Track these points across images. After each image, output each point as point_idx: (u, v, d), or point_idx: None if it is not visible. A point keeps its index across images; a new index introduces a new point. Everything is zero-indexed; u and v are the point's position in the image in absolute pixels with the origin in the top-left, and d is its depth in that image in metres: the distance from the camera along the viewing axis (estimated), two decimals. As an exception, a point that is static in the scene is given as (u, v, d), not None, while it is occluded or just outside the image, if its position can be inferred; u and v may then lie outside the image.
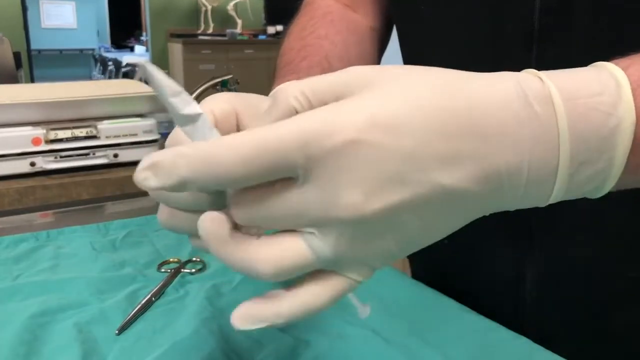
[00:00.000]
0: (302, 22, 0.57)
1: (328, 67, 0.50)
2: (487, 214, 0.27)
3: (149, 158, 0.23)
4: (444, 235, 0.27)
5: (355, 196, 0.23)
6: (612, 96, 0.25)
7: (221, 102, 0.31)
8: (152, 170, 0.23)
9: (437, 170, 0.23)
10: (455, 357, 0.43)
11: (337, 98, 0.25)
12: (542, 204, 0.27)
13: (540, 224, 0.49)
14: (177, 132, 0.29)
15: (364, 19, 0.60)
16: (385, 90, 0.24)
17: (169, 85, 0.25)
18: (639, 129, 0.25)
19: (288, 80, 0.46)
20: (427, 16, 0.52)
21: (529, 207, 0.27)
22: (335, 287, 0.26)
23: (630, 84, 0.25)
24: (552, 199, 0.26)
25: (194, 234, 0.29)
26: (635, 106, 0.25)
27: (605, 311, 0.49)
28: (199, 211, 0.26)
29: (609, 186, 0.26)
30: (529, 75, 0.25)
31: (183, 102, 0.26)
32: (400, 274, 0.57)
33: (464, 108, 0.24)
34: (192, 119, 0.26)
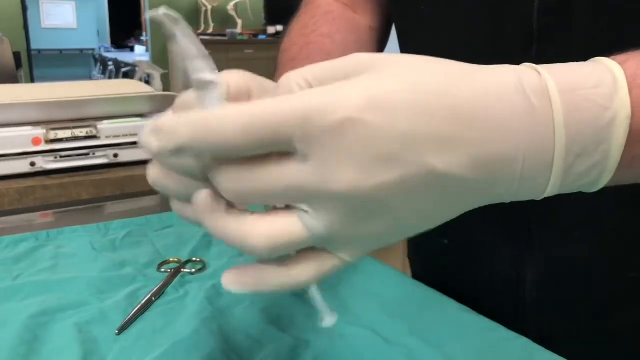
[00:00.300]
0: (304, 20, 0.57)
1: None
2: (482, 205, 0.27)
3: (154, 121, 0.24)
4: (437, 224, 0.27)
5: (351, 172, 0.23)
6: (608, 89, 0.25)
7: (238, 77, 0.31)
8: (154, 134, 0.24)
9: (430, 153, 0.24)
10: (455, 357, 0.43)
11: (336, 80, 0.25)
12: (538, 197, 0.27)
13: (539, 224, 0.49)
14: (187, 95, 0.29)
15: (364, 19, 0.60)
16: (384, 73, 0.24)
17: (194, 45, 0.26)
18: (635, 122, 0.25)
19: None
20: (427, 16, 0.52)
21: (525, 199, 0.27)
22: (324, 265, 0.27)
23: (627, 77, 0.25)
24: (548, 192, 0.26)
25: (179, 198, 0.30)
26: (631, 99, 0.25)
27: (605, 311, 0.49)
28: (192, 176, 0.27)
29: (605, 180, 0.27)
30: (527, 69, 0.26)
31: (204, 66, 0.26)
32: (400, 274, 0.57)
33: (462, 95, 0.24)
34: (207, 85, 0.26)
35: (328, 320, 0.29)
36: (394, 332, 0.47)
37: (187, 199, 0.29)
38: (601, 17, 0.41)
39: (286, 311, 0.50)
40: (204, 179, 0.28)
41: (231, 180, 0.25)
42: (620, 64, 0.26)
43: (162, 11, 0.25)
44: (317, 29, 0.55)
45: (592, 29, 0.42)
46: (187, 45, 0.26)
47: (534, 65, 0.26)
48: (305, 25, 0.57)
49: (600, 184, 0.27)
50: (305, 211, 0.25)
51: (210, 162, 0.25)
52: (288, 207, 0.26)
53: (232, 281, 0.27)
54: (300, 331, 0.47)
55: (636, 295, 0.48)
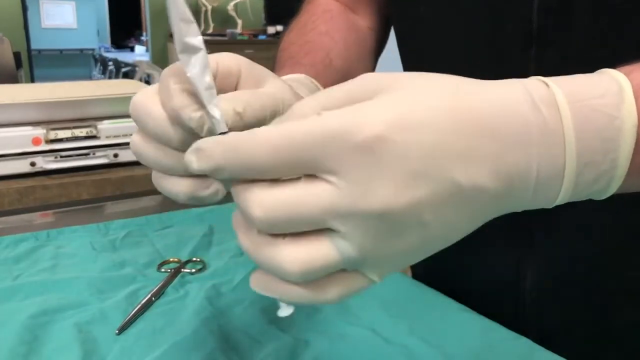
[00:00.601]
0: (304, 19, 0.57)
1: (329, 64, 0.51)
2: (498, 216, 0.27)
3: (196, 143, 0.26)
4: (460, 237, 0.27)
5: (384, 190, 0.23)
6: (614, 98, 0.26)
7: (228, 59, 0.32)
8: (195, 153, 0.26)
9: (456, 168, 0.24)
10: (455, 357, 0.43)
11: (353, 103, 0.25)
12: (549, 206, 0.28)
13: (540, 224, 0.49)
14: (176, 65, 0.30)
15: (363, 20, 0.60)
16: (402, 93, 0.25)
17: (184, 10, 0.27)
18: None
19: (290, 72, 0.46)
20: (427, 16, 0.52)
21: (536, 208, 0.28)
22: (352, 286, 0.27)
23: (632, 87, 0.26)
24: (559, 200, 0.27)
25: (159, 169, 0.31)
26: (637, 108, 0.26)
27: (604, 311, 0.49)
28: (170, 147, 0.29)
29: (614, 188, 0.27)
30: (534, 81, 0.26)
31: (191, 31, 0.27)
32: (400, 274, 0.57)
33: (476, 109, 0.25)
34: (192, 50, 0.28)
35: (284, 310, 0.29)
36: (394, 332, 0.47)
37: (167, 171, 0.31)
38: (601, 17, 0.41)
39: (286, 311, 0.50)
40: (182, 149, 0.29)
41: (260, 202, 0.25)
42: (626, 74, 0.27)
43: None
44: (315, 27, 0.55)
45: (592, 29, 0.42)
46: (181, 7, 0.27)
47: (541, 77, 0.27)
48: (304, 24, 0.57)
49: (609, 191, 0.27)
50: (338, 233, 0.25)
51: (240, 187, 0.25)
52: (317, 230, 0.25)
53: (260, 287, 0.27)
54: (300, 331, 0.47)
55: (636, 295, 0.48)
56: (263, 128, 0.24)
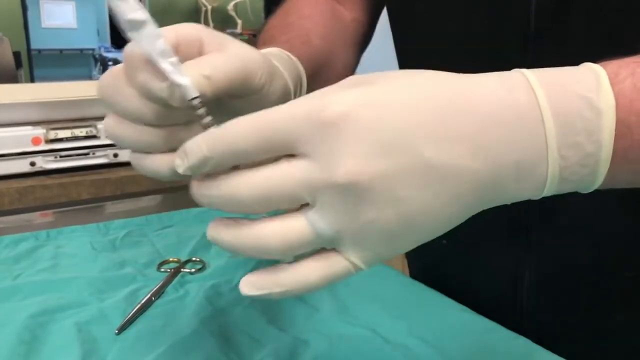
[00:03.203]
0: (288, 5, 0.57)
1: (307, 42, 0.50)
2: (486, 207, 0.27)
3: (182, 146, 0.27)
4: (447, 226, 0.27)
5: (349, 162, 0.24)
6: (590, 83, 0.26)
7: (186, 27, 0.32)
8: (180, 157, 0.27)
9: (424, 144, 0.25)
10: (455, 357, 0.43)
11: None
12: (538, 195, 0.28)
13: (538, 224, 0.49)
14: (131, 45, 0.30)
15: (348, 11, 0.60)
16: (376, 82, 0.26)
17: None
18: (621, 114, 0.26)
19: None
20: (424, 16, 0.52)
21: (527, 197, 0.28)
22: (333, 265, 0.27)
23: (608, 74, 0.27)
24: (548, 188, 0.27)
25: (135, 149, 0.31)
26: (614, 92, 0.26)
27: (603, 311, 0.49)
28: (146, 124, 0.30)
29: (601, 173, 0.27)
30: (514, 72, 0.27)
31: (129, 7, 0.27)
32: (400, 274, 0.57)
33: (452, 92, 0.26)
34: (137, 25, 0.27)
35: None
36: (393, 332, 0.47)
37: (146, 149, 0.31)
38: (598, 18, 0.41)
39: (286, 311, 0.50)
40: (158, 124, 0.30)
41: (240, 189, 0.26)
42: (603, 66, 0.27)
43: None
44: (298, 11, 0.55)
45: (589, 30, 0.42)
46: None
47: (519, 69, 0.27)
48: (288, 9, 0.57)
49: (597, 179, 0.27)
50: (311, 208, 0.26)
51: (224, 175, 0.27)
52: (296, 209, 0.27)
53: (248, 285, 0.28)
54: (300, 331, 0.47)
55: (634, 295, 0.48)
56: (243, 117, 0.26)
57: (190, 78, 0.29)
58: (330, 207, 0.25)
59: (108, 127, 0.31)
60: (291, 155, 0.26)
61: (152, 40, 0.28)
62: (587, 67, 0.27)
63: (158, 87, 0.29)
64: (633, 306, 0.48)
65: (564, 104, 0.26)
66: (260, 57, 0.33)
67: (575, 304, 0.50)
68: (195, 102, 0.29)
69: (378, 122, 0.25)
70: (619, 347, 0.50)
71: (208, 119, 0.29)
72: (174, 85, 0.28)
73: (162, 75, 0.28)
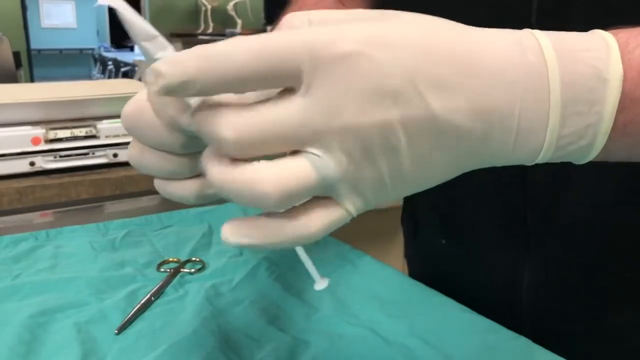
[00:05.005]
0: (294, 9, 0.57)
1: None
2: (479, 167, 0.27)
3: (158, 63, 0.23)
4: (435, 181, 0.26)
5: (355, 106, 0.23)
6: (600, 52, 0.26)
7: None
8: (163, 65, 0.23)
9: (431, 95, 0.24)
10: (455, 357, 0.43)
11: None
12: (531, 162, 0.27)
13: (537, 224, 0.49)
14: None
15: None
16: (390, 19, 0.25)
17: (144, 27, 0.27)
18: (627, 86, 0.26)
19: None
20: (422, 10, 0.52)
21: (519, 163, 0.27)
22: (331, 214, 0.26)
23: (619, 44, 0.26)
24: (543, 154, 0.26)
25: (160, 176, 0.30)
26: (623, 64, 0.26)
27: (601, 312, 0.49)
28: (171, 152, 0.28)
29: (598, 145, 0.27)
30: (526, 32, 0.26)
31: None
32: (400, 274, 0.57)
33: (464, 44, 0.25)
34: (153, 38, 0.28)
35: (320, 284, 0.29)
36: (393, 332, 0.46)
37: (171, 176, 0.30)
38: (598, 18, 0.41)
39: (286, 311, 0.50)
40: (184, 152, 0.28)
41: (231, 123, 0.24)
42: (613, 34, 0.27)
43: None
44: (304, 6, 0.55)
45: (590, 28, 0.42)
46: (140, 26, 0.27)
47: (532, 30, 0.27)
48: (292, 7, 0.57)
49: (593, 150, 0.27)
50: (314, 151, 0.24)
51: (208, 111, 0.24)
52: (293, 152, 0.25)
53: (234, 233, 0.25)
54: (300, 331, 0.47)
55: (632, 295, 0.48)
56: (240, 37, 0.23)
57: None
58: (335, 151, 0.24)
59: (134, 157, 0.30)
60: (287, 90, 0.24)
61: (166, 50, 0.28)
62: (599, 34, 0.27)
63: (188, 121, 0.27)
64: (633, 306, 0.48)
65: (572, 71, 0.25)
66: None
67: (575, 304, 0.50)
68: None
69: (390, 65, 0.23)
70: (619, 347, 0.50)
71: None
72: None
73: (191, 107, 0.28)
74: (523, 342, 0.45)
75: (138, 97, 0.29)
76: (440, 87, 0.24)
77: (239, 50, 0.23)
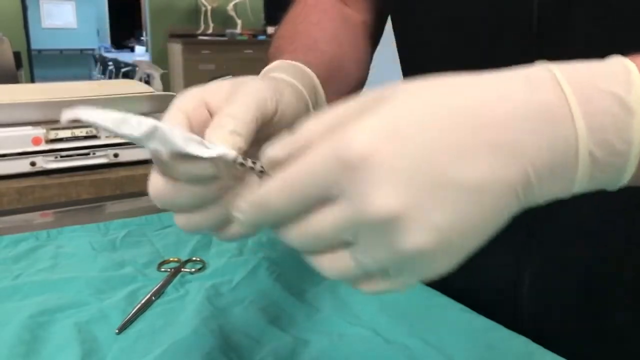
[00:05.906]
0: (296, 12, 0.57)
1: (314, 47, 0.50)
2: (518, 211, 0.27)
3: (235, 215, 0.29)
4: (481, 240, 0.27)
5: (381, 198, 0.24)
6: (620, 78, 0.26)
7: (186, 99, 0.33)
8: (237, 222, 0.30)
9: (451, 165, 0.24)
10: (455, 357, 0.43)
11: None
12: (568, 193, 0.27)
13: (537, 224, 0.49)
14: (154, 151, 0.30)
15: (356, 14, 0.60)
16: (392, 101, 0.26)
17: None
18: None
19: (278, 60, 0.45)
20: (424, 18, 0.52)
21: (556, 197, 0.27)
22: (377, 287, 0.28)
23: (638, 68, 0.26)
24: (577, 186, 0.27)
25: (186, 208, 0.33)
26: None
27: (602, 312, 0.49)
28: (199, 184, 0.31)
29: (630, 171, 0.27)
30: (536, 67, 0.27)
31: (132, 127, 0.29)
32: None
33: (473, 103, 0.25)
34: (149, 134, 0.29)
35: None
36: (394, 332, 0.47)
37: (195, 207, 0.32)
38: (600, 17, 0.41)
39: (286, 311, 0.50)
40: (214, 196, 0.32)
41: (294, 238, 0.28)
42: (631, 59, 0.27)
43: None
44: (306, 18, 0.55)
45: (591, 30, 0.42)
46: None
47: (544, 62, 0.27)
48: (296, 17, 0.57)
49: (624, 176, 0.27)
50: (352, 245, 0.26)
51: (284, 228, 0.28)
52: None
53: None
54: (300, 331, 0.47)
55: (633, 296, 0.48)
56: (272, 178, 0.27)
57: (222, 143, 0.30)
58: (371, 243, 0.26)
59: (156, 191, 0.33)
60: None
61: (169, 137, 0.29)
62: (617, 61, 0.27)
63: (202, 169, 0.30)
64: (633, 306, 0.48)
65: (593, 101, 0.25)
66: (261, 81, 0.34)
67: (575, 304, 0.50)
68: (239, 160, 0.30)
69: (401, 154, 0.24)
70: (619, 347, 0.50)
71: (258, 166, 0.30)
72: (213, 160, 0.29)
73: (196, 157, 0.30)
74: (523, 341, 0.45)
75: (157, 176, 0.32)
76: (459, 153, 0.25)
77: (276, 195, 0.27)
